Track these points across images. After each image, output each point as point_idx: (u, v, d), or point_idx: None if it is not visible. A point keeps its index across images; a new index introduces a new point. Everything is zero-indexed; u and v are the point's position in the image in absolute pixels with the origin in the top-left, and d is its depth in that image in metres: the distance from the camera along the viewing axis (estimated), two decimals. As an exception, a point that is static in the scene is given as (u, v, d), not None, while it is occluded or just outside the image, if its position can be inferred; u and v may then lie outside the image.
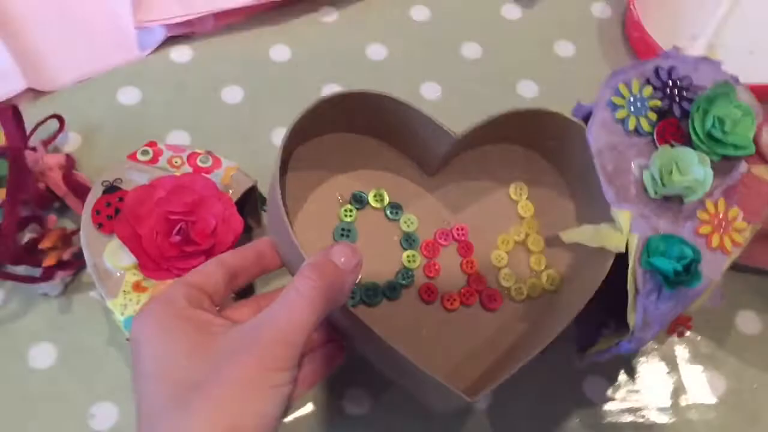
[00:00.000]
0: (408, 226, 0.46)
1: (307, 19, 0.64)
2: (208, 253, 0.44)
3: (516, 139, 0.47)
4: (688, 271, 0.40)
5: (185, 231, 0.44)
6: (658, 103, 0.45)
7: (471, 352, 0.43)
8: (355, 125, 0.44)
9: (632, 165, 0.43)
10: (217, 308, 0.36)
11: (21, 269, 0.48)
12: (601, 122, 0.44)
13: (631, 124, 0.44)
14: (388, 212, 0.45)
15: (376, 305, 0.43)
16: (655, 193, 0.43)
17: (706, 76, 0.46)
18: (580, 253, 0.45)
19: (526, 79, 0.63)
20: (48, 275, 0.48)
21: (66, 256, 0.49)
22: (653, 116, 0.45)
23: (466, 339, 0.44)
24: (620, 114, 0.44)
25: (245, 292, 0.48)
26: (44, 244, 0.47)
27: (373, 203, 0.45)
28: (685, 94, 0.45)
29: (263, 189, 0.50)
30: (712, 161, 0.43)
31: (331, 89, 0.61)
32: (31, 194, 0.49)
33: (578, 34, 0.66)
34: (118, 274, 0.45)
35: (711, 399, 0.50)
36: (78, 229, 0.47)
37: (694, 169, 0.42)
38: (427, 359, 0.40)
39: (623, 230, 0.41)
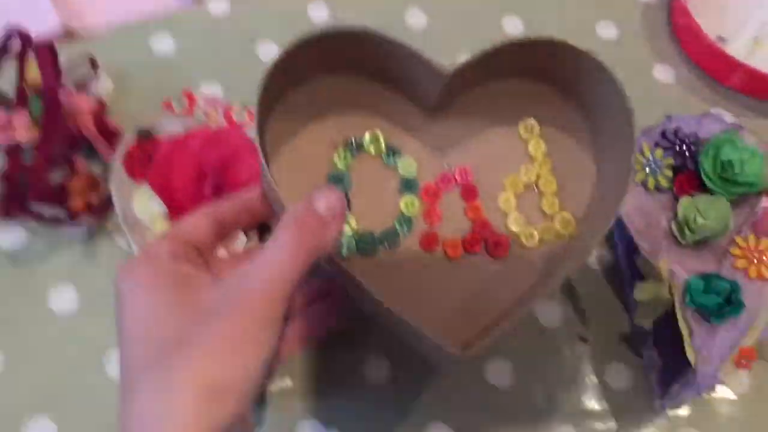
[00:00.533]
0: (406, 170, 0.42)
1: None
2: (240, 208, 0.44)
3: (524, 72, 0.42)
4: (730, 302, 0.45)
5: (218, 183, 0.43)
6: (671, 161, 0.50)
7: (475, 303, 0.41)
8: (345, 65, 0.41)
9: (660, 219, 0.48)
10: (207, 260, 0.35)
11: (46, 210, 0.48)
12: None
13: (651, 183, 0.49)
14: (384, 157, 0.42)
15: (374, 255, 0.41)
16: (685, 240, 0.47)
17: (711, 128, 0.51)
18: (598, 189, 0.42)
19: (567, 58, 0.61)
20: (74, 218, 0.48)
21: (94, 200, 0.48)
22: (669, 173, 0.49)
23: (470, 289, 0.41)
24: (639, 177, 0.49)
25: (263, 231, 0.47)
26: (72, 187, 0.47)
27: (368, 148, 0.42)
28: (693, 148, 0.50)
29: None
30: (731, 201, 0.48)
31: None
32: (63, 135, 0.48)
33: (621, 17, 0.64)
34: (147, 222, 0.44)
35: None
36: (105, 175, 0.47)
37: (715, 212, 0.47)
38: (427, 310, 0.39)
39: (664, 279, 0.45)
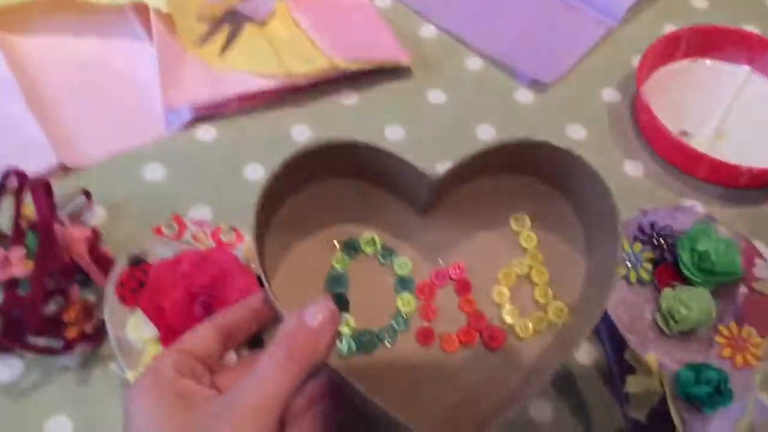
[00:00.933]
0: (401, 269, 0.44)
1: (329, 101, 0.67)
2: (230, 327, 0.45)
3: (512, 168, 0.44)
4: (720, 391, 0.45)
5: (207, 304, 0.45)
6: (651, 254, 0.51)
7: (473, 395, 0.41)
8: (338, 173, 0.43)
9: (644, 312, 0.50)
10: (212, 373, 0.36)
11: (42, 341, 0.49)
12: None
13: (633, 277, 0.51)
14: (380, 257, 0.44)
15: (372, 352, 0.42)
16: (671, 331, 0.48)
17: (684, 220, 0.53)
18: (588, 279, 0.43)
19: (540, 160, 0.64)
20: (69, 347, 0.48)
21: (88, 328, 0.49)
22: (649, 266, 0.51)
23: (468, 381, 0.42)
24: (621, 271, 0.51)
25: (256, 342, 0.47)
26: (68, 316, 0.48)
27: (365, 249, 0.44)
28: (670, 241, 0.52)
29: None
30: (711, 291, 0.49)
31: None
32: (58, 266, 0.50)
33: (589, 119, 0.68)
34: (140, 347, 0.45)
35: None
36: (99, 302, 0.48)
37: (696, 302, 0.48)
38: (426, 405, 0.40)
39: (653, 371, 0.46)
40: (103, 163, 0.61)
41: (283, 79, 0.64)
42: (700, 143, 0.64)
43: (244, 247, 0.49)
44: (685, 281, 0.50)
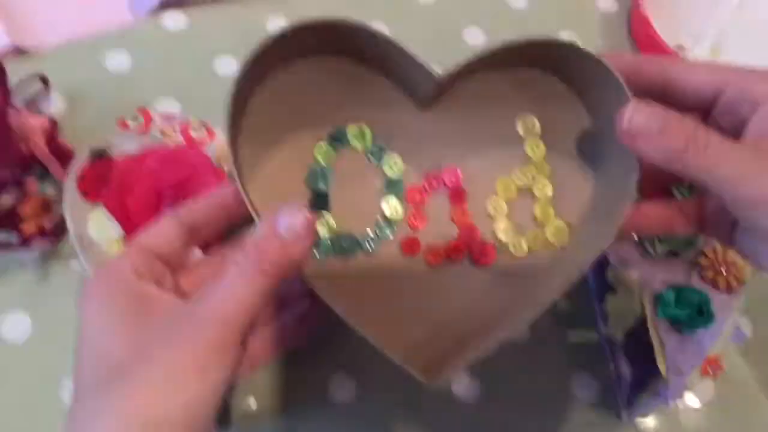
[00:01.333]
0: (391, 169, 0.40)
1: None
2: (199, 229, 0.43)
3: (527, 63, 0.39)
4: (701, 313, 0.44)
5: (176, 203, 0.42)
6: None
7: (454, 316, 0.38)
8: (329, 50, 0.38)
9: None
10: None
11: (-3, 235, 0.46)
12: None
13: None
14: (370, 154, 0.40)
15: (351, 258, 0.39)
16: (656, 252, 0.47)
17: None
18: (596, 200, 0.39)
19: (529, 68, 0.61)
20: (26, 243, 0.46)
21: (46, 223, 0.46)
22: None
23: (450, 300, 0.39)
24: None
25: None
26: (24, 210, 0.45)
27: (353, 142, 0.39)
28: None
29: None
30: None
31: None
32: (12, 156, 0.46)
33: (582, 26, 0.65)
34: (103, 245, 0.43)
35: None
36: (59, 197, 0.45)
37: None
38: (404, 319, 0.38)
39: (635, 291, 0.45)
40: (61, 48, 0.57)
41: (261, -35, 0.59)
42: (695, 58, 0.61)
43: (216, 145, 0.46)
44: (672, 195, 0.49)
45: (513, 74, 0.39)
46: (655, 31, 0.59)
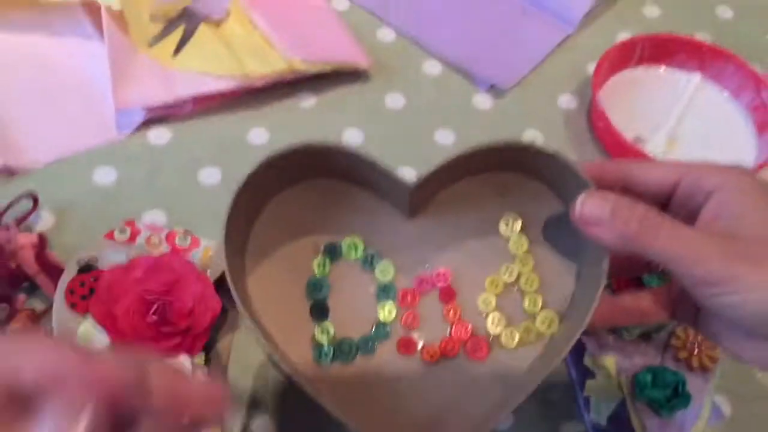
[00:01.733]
0: (384, 275, 0.42)
1: (286, 103, 0.66)
2: (185, 334, 0.44)
3: (501, 166, 0.42)
4: (678, 394, 0.45)
5: (162, 311, 0.43)
6: None
7: (454, 408, 0.40)
8: (321, 173, 0.42)
9: None
10: None
11: (-15, 351, 0.47)
12: None
13: None
14: (363, 262, 0.43)
15: (351, 362, 0.41)
16: (629, 335, 0.48)
17: None
18: (577, 286, 0.42)
19: (498, 165, 0.64)
20: (14, 357, 0.46)
21: (34, 337, 0.47)
22: None
23: (450, 393, 0.41)
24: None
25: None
26: (13, 325, 0.46)
27: (347, 253, 0.43)
28: None
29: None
30: None
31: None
32: (1, 274, 0.48)
33: (546, 124, 0.68)
34: (90, 356, 0.43)
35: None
36: (47, 310, 0.46)
37: None
38: (405, 417, 0.39)
39: (612, 375, 0.46)
40: (51, 166, 0.59)
41: (240, 81, 0.63)
42: (654, 149, 0.65)
43: (200, 252, 0.48)
44: (643, 285, 0.51)
45: (493, 178, 0.42)
46: (612, 125, 0.63)
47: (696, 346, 0.48)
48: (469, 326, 0.42)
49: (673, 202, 0.38)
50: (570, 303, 0.42)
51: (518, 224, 0.43)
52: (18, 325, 0.46)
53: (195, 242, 0.48)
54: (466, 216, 0.43)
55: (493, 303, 0.43)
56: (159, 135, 0.62)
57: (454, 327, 0.42)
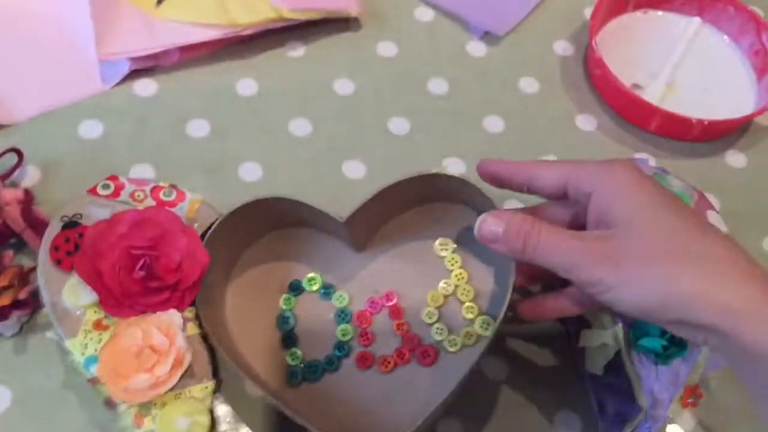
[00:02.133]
0: (340, 302, 0.49)
1: (274, 53, 0.64)
2: (173, 288, 0.43)
3: (426, 199, 0.50)
4: (674, 343, 0.45)
5: (149, 266, 0.43)
6: None
7: (415, 408, 0.45)
8: (278, 224, 0.50)
9: None
10: None
11: (-27, 308, 0.46)
12: None
13: None
14: (321, 293, 0.49)
15: (318, 380, 0.47)
16: None
17: None
18: (498, 287, 0.49)
19: (492, 114, 0.63)
20: (2, 315, 0.46)
21: (22, 294, 0.47)
22: None
23: (407, 397, 0.46)
24: None
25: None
26: (0, 282, 0.45)
27: (308, 287, 0.49)
28: None
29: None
30: None
31: (298, 123, 0.60)
32: (-13, 230, 0.47)
33: (542, 72, 0.67)
34: (78, 313, 0.43)
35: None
36: (35, 267, 0.46)
37: None
38: (371, 425, 0.45)
39: (608, 325, 0.46)
40: (35, 120, 0.58)
41: (227, 30, 0.61)
42: (652, 96, 0.63)
43: (186, 205, 0.47)
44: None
45: (424, 210, 0.51)
46: (610, 72, 0.61)
47: None
48: (418, 336, 0.48)
49: (572, 202, 0.42)
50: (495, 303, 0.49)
51: (450, 245, 0.50)
52: (4, 283, 0.45)
53: (180, 196, 0.47)
54: (406, 244, 0.51)
55: (436, 314, 0.49)
56: (145, 86, 0.61)
57: (404, 339, 0.48)
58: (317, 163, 0.59)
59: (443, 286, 0.49)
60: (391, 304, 0.49)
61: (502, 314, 0.43)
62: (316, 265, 0.50)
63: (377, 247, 0.51)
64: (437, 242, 0.50)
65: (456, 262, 0.50)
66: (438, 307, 0.49)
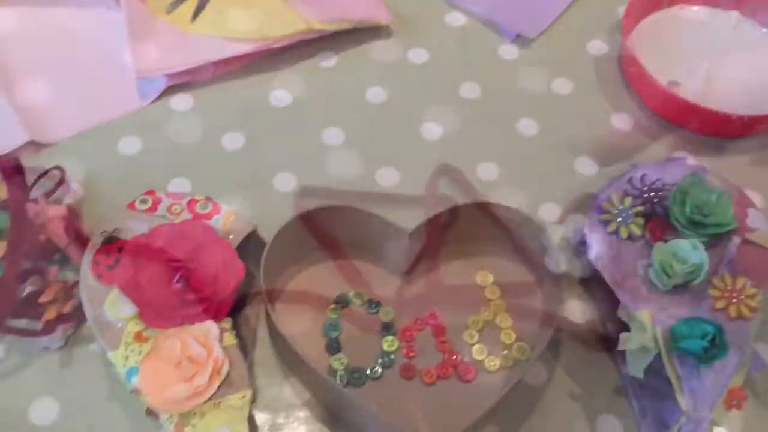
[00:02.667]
0: (387, 316, 0.52)
1: (306, 64, 0.65)
2: (210, 300, 0.44)
3: (471, 236, 0.54)
4: (715, 345, 0.44)
5: (186, 278, 0.44)
6: (641, 208, 0.50)
7: (452, 422, 0.46)
8: (334, 247, 0.53)
9: (636, 267, 0.49)
10: None
11: (22, 323, 0.48)
12: (598, 241, 0.50)
13: (624, 232, 0.50)
14: (368, 307, 0.52)
15: (362, 386, 0.49)
16: (664, 286, 0.47)
17: (675, 173, 0.52)
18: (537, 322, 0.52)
19: (526, 117, 0.63)
20: (49, 329, 0.47)
21: (67, 309, 0.48)
22: (640, 220, 0.50)
23: (447, 409, 0.48)
24: (611, 227, 0.50)
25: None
26: (45, 298, 0.47)
27: (353, 302, 0.52)
28: (661, 194, 0.51)
29: (264, 234, 0.50)
30: (704, 243, 0.48)
31: (331, 133, 0.61)
32: (32, 247, 0.48)
33: (575, 72, 0.66)
34: (119, 326, 0.44)
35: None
36: (79, 281, 0.47)
37: (689, 255, 0.47)
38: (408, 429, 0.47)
39: (647, 328, 0.46)
40: (76, 138, 0.60)
41: (259, 43, 0.62)
42: (689, 93, 0.62)
43: (222, 218, 0.48)
44: (678, 235, 0.49)
45: (462, 246, 0.54)
46: (644, 70, 0.60)
47: (734, 295, 0.47)
48: (459, 354, 0.51)
49: None
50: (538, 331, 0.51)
51: (490, 277, 0.54)
52: (50, 298, 0.47)
53: (216, 208, 0.48)
54: (449, 274, 0.54)
55: (476, 336, 0.52)
56: (181, 101, 0.62)
57: (446, 355, 0.51)
58: (351, 172, 0.59)
59: (483, 311, 0.52)
60: (434, 322, 0.52)
61: (539, 350, 0.47)
62: (363, 286, 0.53)
63: (421, 276, 0.54)
64: (478, 274, 0.54)
65: (495, 292, 0.53)
66: (478, 330, 0.52)
